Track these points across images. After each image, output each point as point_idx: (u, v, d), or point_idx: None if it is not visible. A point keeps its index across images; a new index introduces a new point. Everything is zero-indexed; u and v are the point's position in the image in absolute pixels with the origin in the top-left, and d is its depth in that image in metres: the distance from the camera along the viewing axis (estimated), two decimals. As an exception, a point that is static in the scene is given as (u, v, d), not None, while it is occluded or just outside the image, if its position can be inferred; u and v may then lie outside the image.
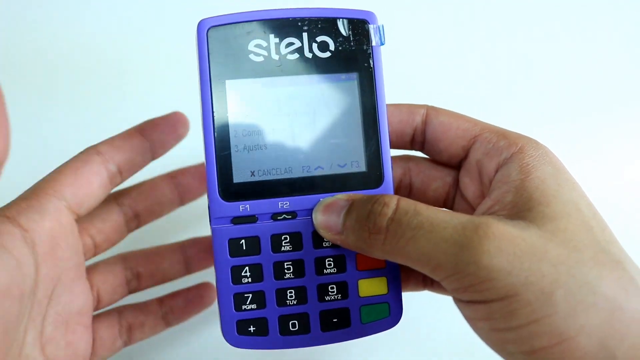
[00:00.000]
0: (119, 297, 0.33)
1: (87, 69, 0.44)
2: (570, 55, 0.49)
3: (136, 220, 0.34)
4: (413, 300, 0.32)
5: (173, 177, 0.35)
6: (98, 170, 0.30)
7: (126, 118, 0.33)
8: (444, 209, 0.26)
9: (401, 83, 0.35)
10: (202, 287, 0.36)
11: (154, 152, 0.32)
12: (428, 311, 0.34)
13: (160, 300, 0.34)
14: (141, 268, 0.33)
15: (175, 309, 0.34)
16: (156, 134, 0.32)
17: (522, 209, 0.25)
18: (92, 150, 0.30)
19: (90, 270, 0.32)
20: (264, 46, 0.28)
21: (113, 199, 0.33)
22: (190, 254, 0.35)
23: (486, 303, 0.24)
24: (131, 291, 0.34)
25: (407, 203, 0.26)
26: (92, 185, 0.29)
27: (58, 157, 0.30)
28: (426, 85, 0.47)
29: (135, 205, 0.33)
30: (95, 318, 0.31)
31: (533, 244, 0.23)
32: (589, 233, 0.24)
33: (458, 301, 0.26)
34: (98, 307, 0.32)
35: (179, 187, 0.35)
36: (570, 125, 0.48)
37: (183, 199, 0.35)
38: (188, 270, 0.35)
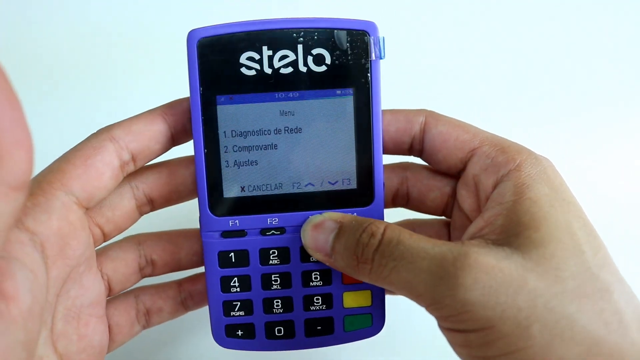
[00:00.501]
0: (132, 284, 0.31)
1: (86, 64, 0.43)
2: (569, 53, 0.48)
3: (150, 205, 0.31)
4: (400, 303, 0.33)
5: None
6: (110, 160, 0.27)
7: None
8: (427, 237, 0.26)
9: (402, 82, 0.34)
10: None
11: (176, 140, 0.29)
12: (413, 314, 0.36)
13: (179, 284, 0.32)
14: (155, 255, 0.31)
15: (195, 295, 0.32)
16: (180, 118, 0.28)
17: (510, 233, 0.25)
18: (105, 135, 0.27)
19: (100, 257, 0.30)
20: (257, 59, 0.27)
21: (126, 180, 0.29)
22: None
23: (465, 332, 0.24)
24: (145, 276, 0.32)
25: (392, 232, 0.26)
26: (103, 177, 0.27)
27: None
28: (427, 83, 0.46)
29: (150, 192, 0.30)
30: (111, 305, 0.30)
31: (511, 275, 0.23)
32: (579, 259, 0.24)
33: (441, 327, 0.26)
34: (110, 294, 0.30)
35: None
36: (569, 124, 0.47)
37: None
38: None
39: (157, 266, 0.31)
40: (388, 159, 0.32)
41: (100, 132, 0.28)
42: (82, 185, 0.26)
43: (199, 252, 0.31)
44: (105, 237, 0.29)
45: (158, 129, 0.28)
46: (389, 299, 0.31)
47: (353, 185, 0.29)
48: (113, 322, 0.30)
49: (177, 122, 0.28)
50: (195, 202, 0.29)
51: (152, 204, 0.30)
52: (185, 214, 0.35)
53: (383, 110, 0.30)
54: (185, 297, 0.32)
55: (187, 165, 0.30)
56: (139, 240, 0.31)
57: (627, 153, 0.47)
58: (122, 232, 0.30)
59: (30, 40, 0.44)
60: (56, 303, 0.26)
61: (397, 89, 0.32)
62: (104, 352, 0.29)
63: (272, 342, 0.30)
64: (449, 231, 0.32)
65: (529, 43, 0.49)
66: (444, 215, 0.32)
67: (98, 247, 0.29)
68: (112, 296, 0.30)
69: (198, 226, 0.29)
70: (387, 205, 0.32)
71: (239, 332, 0.30)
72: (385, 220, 0.28)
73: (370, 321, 0.31)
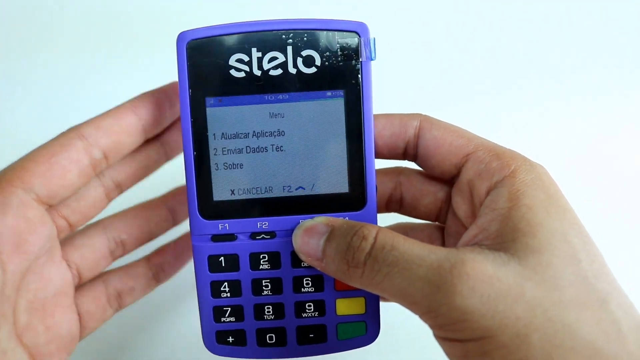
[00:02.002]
0: (102, 267, 0.31)
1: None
2: (563, 54, 0.48)
3: (118, 190, 0.31)
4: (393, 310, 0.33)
5: (162, 143, 0.32)
6: (78, 158, 0.27)
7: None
8: (422, 243, 0.25)
9: (393, 84, 0.33)
10: (189, 236, 0.33)
11: (147, 131, 0.29)
12: (408, 322, 0.35)
13: (148, 260, 0.32)
14: (124, 235, 0.31)
15: (166, 266, 0.32)
16: (150, 110, 0.28)
17: (506, 239, 0.24)
18: (73, 134, 0.27)
19: (66, 247, 0.29)
20: (246, 61, 0.27)
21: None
22: (173, 204, 0.32)
23: (462, 342, 0.24)
24: (117, 257, 0.31)
25: (385, 237, 0.25)
26: (68, 174, 0.26)
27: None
28: (419, 84, 0.46)
29: (117, 176, 0.30)
30: (79, 293, 0.30)
31: (509, 283, 0.23)
32: (575, 267, 0.23)
33: (436, 336, 0.25)
34: (81, 282, 0.30)
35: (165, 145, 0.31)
36: (562, 125, 0.46)
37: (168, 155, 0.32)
38: (175, 222, 0.33)
39: (127, 244, 0.31)
40: (382, 164, 0.31)
41: (69, 130, 0.27)
42: (44, 183, 0.26)
43: (167, 215, 0.32)
44: (72, 227, 0.29)
45: (128, 123, 0.28)
46: (384, 305, 0.30)
47: (345, 189, 0.28)
48: (83, 309, 0.30)
49: (148, 114, 0.28)
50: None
51: (120, 188, 0.30)
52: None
53: (377, 115, 0.29)
54: (156, 271, 0.32)
55: (153, 145, 0.30)
56: (104, 225, 0.31)
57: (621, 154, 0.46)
58: (89, 220, 0.30)
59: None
60: (17, 297, 0.26)
61: (388, 90, 0.31)
62: (75, 340, 0.29)
63: (264, 349, 0.30)
64: (441, 235, 0.32)
65: (524, 43, 0.48)
66: (437, 221, 0.32)
67: (65, 236, 0.29)
68: (82, 283, 0.30)
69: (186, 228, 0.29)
70: (380, 210, 0.31)
71: (230, 339, 0.29)
72: (378, 225, 0.28)
73: (365, 329, 0.30)
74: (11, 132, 0.44)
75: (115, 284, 0.31)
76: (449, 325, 0.23)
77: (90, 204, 0.29)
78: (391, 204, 0.32)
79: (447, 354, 0.25)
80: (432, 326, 0.25)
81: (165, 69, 0.32)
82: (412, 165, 0.31)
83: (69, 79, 0.46)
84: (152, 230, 0.32)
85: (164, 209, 0.32)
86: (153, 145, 0.31)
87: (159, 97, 0.29)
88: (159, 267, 0.32)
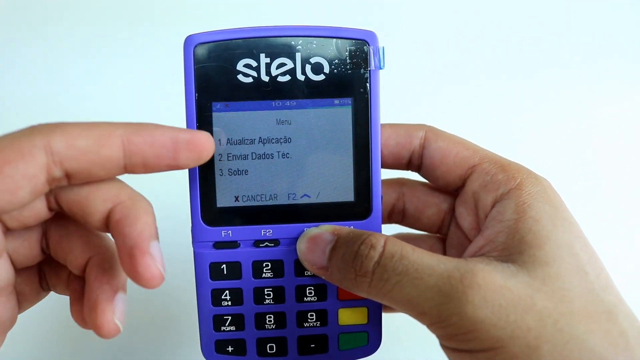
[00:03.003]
0: (38, 260, 0.27)
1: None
2: (570, 63, 0.49)
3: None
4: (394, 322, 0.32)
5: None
6: (34, 174, 0.22)
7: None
8: (431, 253, 0.25)
9: (401, 93, 0.33)
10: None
11: (129, 170, 0.24)
12: (409, 334, 0.35)
13: None
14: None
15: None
16: (144, 150, 0.23)
17: (513, 251, 0.25)
18: (40, 141, 0.22)
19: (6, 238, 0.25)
20: (254, 66, 0.27)
21: None
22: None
23: (471, 353, 0.23)
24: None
25: (394, 246, 0.25)
26: (20, 191, 0.22)
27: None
28: (427, 94, 0.46)
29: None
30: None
31: (520, 294, 0.23)
32: (583, 279, 0.24)
33: (444, 347, 0.25)
34: (16, 269, 0.26)
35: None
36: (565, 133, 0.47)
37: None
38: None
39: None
40: (384, 175, 0.31)
41: (36, 133, 0.22)
42: None
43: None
44: (9, 231, 0.25)
45: (109, 155, 0.23)
46: (385, 316, 0.30)
47: (350, 197, 0.28)
48: (18, 292, 0.27)
49: (138, 153, 0.23)
50: (181, 210, 0.28)
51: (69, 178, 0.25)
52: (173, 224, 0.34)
53: (383, 124, 0.29)
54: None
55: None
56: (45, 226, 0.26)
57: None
58: (28, 226, 0.26)
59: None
60: None
61: (394, 100, 0.31)
62: (14, 321, 0.27)
63: (264, 359, 0.29)
64: (443, 247, 0.32)
65: (535, 54, 0.49)
66: (439, 233, 0.32)
67: None
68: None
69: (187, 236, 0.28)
70: (382, 221, 0.31)
71: (229, 348, 0.29)
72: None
73: (367, 340, 0.29)
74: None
75: (46, 268, 0.28)
76: (459, 336, 0.23)
77: (33, 213, 0.24)
78: (393, 215, 0.32)
79: None
80: (440, 336, 0.24)
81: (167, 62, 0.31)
82: (415, 176, 0.31)
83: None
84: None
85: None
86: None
87: (165, 141, 0.24)
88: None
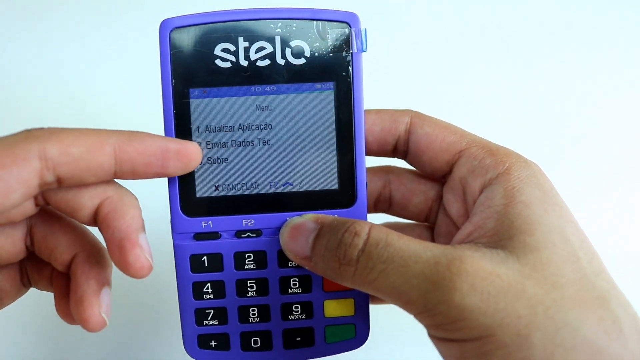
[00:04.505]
0: (22, 257, 0.27)
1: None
2: (553, 53, 0.49)
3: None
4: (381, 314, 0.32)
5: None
6: (28, 179, 0.22)
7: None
8: (418, 240, 0.24)
9: (385, 76, 0.33)
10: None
11: (119, 177, 0.24)
12: (397, 326, 0.34)
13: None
14: (38, 236, 0.26)
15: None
16: (134, 160, 0.24)
17: (503, 237, 0.24)
18: (35, 147, 0.22)
19: None
20: (232, 51, 0.26)
21: None
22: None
23: (459, 342, 0.23)
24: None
25: (379, 233, 0.24)
26: (12, 194, 0.22)
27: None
28: (412, 77, 0.45)
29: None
30: None
31: (509, 281, 0.22)
32: (575, 265, 0.23)
33: (432, 337, 0.25)
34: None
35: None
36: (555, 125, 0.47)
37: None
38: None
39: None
40: (370, 162, 0.30)
41: (31, 139, 0.22)
42: None
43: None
44: None
45: (100, 163, 0.23)
46: (373, 308, 0.29)
47: (334, 185, 0.27)
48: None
49: (128, 161, 0.24)
50: (160, 201, 0.27)
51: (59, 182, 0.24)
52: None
53: (368, 110, 0.28)
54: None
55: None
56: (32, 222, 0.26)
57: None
58: (13, 222, 0.25)
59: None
60: None
61: (379, 85, 0.30)
62: None
63: (248, 354, 0.28)
64: (431, 235, 0.31)
65: (519, 41, 0.48)
66: (427, 221, 0.31)
67: None
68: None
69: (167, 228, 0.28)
70: (369, 210, 0.30)
71: (213, 343, 0.28)
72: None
73: (354, 332, 0.29)
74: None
75: (27, 263, 0.28)
76: (446, 325, 0.22)
77: (19, 210, 0.24)
78: (380, 204, 0.31)
79: (443, 355, 0.24)
80: (428, 326, 0.24)
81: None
82: (402, 164, 0.31)
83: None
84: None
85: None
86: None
87: (154, 151, 0.24)
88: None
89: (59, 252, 0.26)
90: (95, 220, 0.25)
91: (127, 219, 0.24)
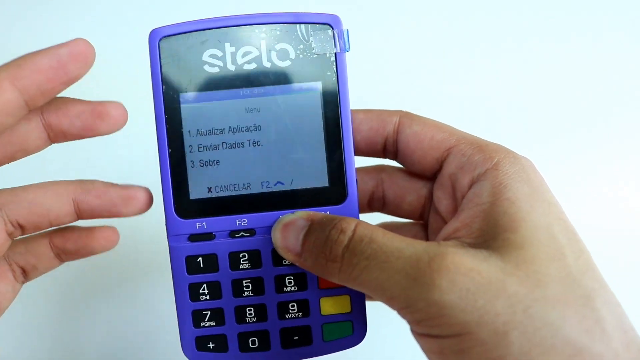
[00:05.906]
0: (3, 250, 0.27)
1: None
2: (543, 42, 0.49)
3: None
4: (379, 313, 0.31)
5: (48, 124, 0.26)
6: None
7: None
8: (402, 237, 0.24)
9: (370, 76, 0.33)
10: (99, 231, 0.29)
11: (31, 105, 0.23)
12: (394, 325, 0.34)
13: (51, 239, 0.29)
14: (22, 220, 0.27)
15: (68, 252, 0.29)
16: (34, 80, 0.23)
17: (487, 237, 0.24)
18: None
19: None
20: (219, 56, 0.27)
21: None
22: (78, 196, 0.27)
23: (439, 338, 0.23)
24: (16, 237, 0.28)
25: (364, 229, 0.24)
26: None
27: None
28: (396, 76, 0.45)
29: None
30: None
31: (490, 278, 0.22)
32: (560, 263, 0.22)
33: (414, 332, 0.24)
34: None
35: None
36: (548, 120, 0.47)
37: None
38: (80, 216, 0.28)
39: (26, 229, 0.27)
40: (364, 163, 0.31)
41: None
42: None
43: (70, 211, 0.27)
44: None
45: (6, 99, 0.22)
46: (370, 305, 0.29)
47: (324, 182, 0.28)
48: None
49: (29, 85, 0.23)
50: (154, 204, 0.28)
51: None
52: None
53: (356, 110, 0.29)
54: (58, 253, 0.29)
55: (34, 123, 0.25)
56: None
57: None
58: None
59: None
60: None
61: (367, 86, 0.31)
62: None
63: (247, 355, 0.28)
64: (426, 234, 0.31)
65: (507, 33, 0.48)
66: (421, 220, 0.31)
67: None
68: None
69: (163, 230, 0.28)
70: (363, 210, 0.31)
71: (211, 345, 0.28)
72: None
73: (351, 329, 0.29)
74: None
75: (18, 260, 0.29)
76: (426, 321, 0.22)
77: None
78: (373, 203, 0.31)
79: (424, 350, 0.24)
80: (409, 322, 0.24)
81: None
82: (393, 164, 0.31)
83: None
84: (51, 220, 0.27)
85: (67, 200, 0.27)
86: (33, 123, 0.25)
87: (49, 62, 0.23)
88: (62, 250, 0.29)
89: (54, 215, 0.27)
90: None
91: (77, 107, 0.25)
